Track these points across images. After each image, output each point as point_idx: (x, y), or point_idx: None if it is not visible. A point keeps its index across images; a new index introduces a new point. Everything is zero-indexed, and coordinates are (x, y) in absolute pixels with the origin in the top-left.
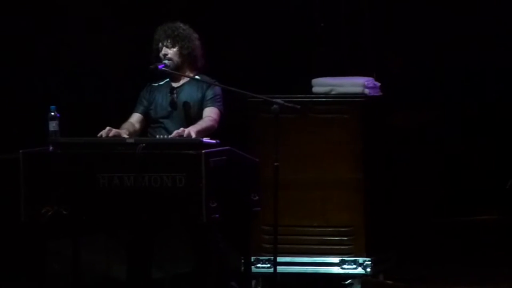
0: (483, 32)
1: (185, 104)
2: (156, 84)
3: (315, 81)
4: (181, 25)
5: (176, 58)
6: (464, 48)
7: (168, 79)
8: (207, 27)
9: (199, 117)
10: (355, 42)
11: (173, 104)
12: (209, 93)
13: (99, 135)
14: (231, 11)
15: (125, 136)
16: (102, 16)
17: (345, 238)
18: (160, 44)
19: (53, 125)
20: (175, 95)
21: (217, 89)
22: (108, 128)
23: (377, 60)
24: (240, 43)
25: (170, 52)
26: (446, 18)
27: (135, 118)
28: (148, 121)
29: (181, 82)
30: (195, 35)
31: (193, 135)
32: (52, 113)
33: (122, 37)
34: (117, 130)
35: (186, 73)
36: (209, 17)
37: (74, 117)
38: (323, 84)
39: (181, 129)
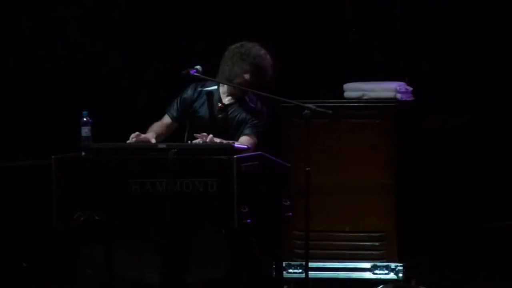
0: None
1: (228, 125)
2: (204, 89)
3: (347, 86)
4: (263, 50)
5: (255, 84)
6: (498, 51)
7: (216, 87)
8: (239, 32)
9: (236, 138)
10: (387, 47)
11: (217, 121)
12: (252, 119)
13: (127, 141)
14: (263, 16)
15: (153, 141)
16: (134, 20)
17: (377, 243)
18: (246, 67)
19: (85, 131)
20: (223, 113)
21: (263, 116)
22: (136, 133)
23: (409, 64)
24: (271, 49)
25: (253, 78)
26: (480, 21)
27: (166, 121)
28: (180, 125)
29: (231, 99)
30: (271, 60)
31: (217, 140)
32: (85, 119)
33: (154, 42)
34: (145, 135)
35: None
36: (241, 22)
37: (107, 123)
38: (355, 89)
39: (204, 134)
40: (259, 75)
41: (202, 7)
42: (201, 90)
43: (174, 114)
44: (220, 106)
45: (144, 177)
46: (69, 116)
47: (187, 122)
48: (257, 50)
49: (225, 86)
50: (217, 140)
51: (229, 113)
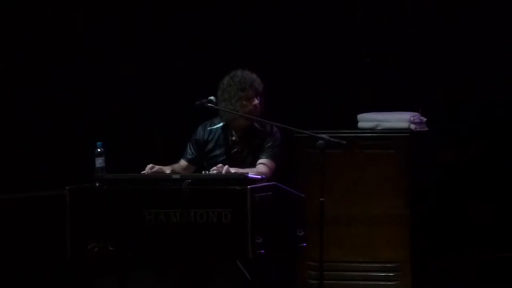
0: None
1: (246, 158)
2: (214, 127)
3: (360, 116)
4: (255, 75)
5: (259, 109)
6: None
7: (222, 124)
8: (252, 62)
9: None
10: (401, 77)
11: (233, 157)
12: (267, 143)
13: (142, 173)
14: (277, 46)
15: (168, 171)
16: (148, 52)
17: (391, 274)
18: (246, 94)
19: (99, 162)
20: (237, 147)
21: (277, 137)
22: (150, 165)
23: (423, 95)
24: (285, 79)
25: (259, 103)
26: (492, 51)
27: (183, 165)
28: (198, 166)
29: (240, 131)
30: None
31: (233, 171)
32: (99, 150)
33: (168, 73)
34: (159, 166)
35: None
36: (254, 52)
37: (121, 153)
38: (368, 120)
39: (220, 165)
40: (261, 96)
41: (214, 39)
42: (210, 129)
43: (189, 157)
44: (233, 141)
45: (158, 208)
46: (84, 146)
47: (205, 162)
48: (248, 74)
49: (234, 120)
50: (233, 170)
51: (243, 145)
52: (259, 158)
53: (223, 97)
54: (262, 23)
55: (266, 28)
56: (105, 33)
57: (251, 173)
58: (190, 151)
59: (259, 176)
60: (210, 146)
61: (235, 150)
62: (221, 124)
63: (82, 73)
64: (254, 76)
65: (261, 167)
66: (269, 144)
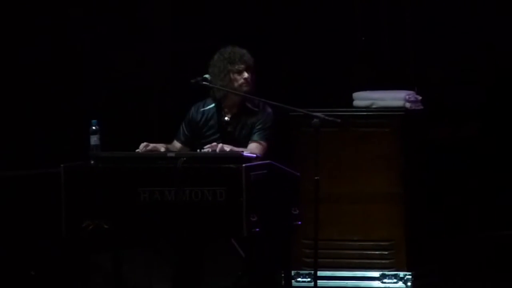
0: None
1: (238, 138)
2: (206, 109)
3: (356, 94)
4: (245, 50)
5: (252, 84)
6: (509, 61)
7: (214, 104)
8: (247, 41)
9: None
10: (397, 56)
11: (230, 136)
12: (260, 124)
13: (136, 151)
14: (272, 26)
15: (163, 149)
16: (144, 29)
17: (386, 252)
18: (237, 67)
19: (94, 139)
20: (230, 127)
21: (269, 118)
22: (144, 143)
23: (419, 73)
24: (281, 57)
25: (249, 77)
26: (490, 31)
27: (176, 146)
28: (191, 147)
29: (233, 111)
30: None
31: (227, 149)
32: (94, 127)
33: (163, 50)
34: (154, 144)
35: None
36: (249, 31)
37: (116, 131)
38: (364, 98)
39: (214, 143)
40: (252, 72)
41: (211, 16)
42: (203, 110)
43: (183, 138)
44: (226, 121)
45: (153, 186)
46: (78, 124)
47: (199, 143)
48: (238, 49)
49: (226, 98)
50: (227, 148)
51: (235, 125)
52: (251, 138)
53: (213, 73)
54: (258, 1)
55: (263, 6)
56: (101, 12)
57: (245, 151)
58: (183, 132)
59: (254, 155)
60: (203, 127)
61: (228, 130)
62: (213, 104)
63: (77, 51)
64: (244, 51)
65: (253, 148)
66: (261, 125)
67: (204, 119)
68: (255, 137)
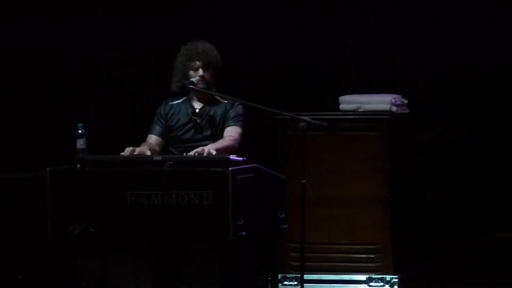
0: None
1: (211, 126)
2: (175, 102)
3: (342, 98)
4: (209, 45)
5: (211, 80)
6: (494, 64)
7: (185, 98)
8: (234, 44)
9: (221, 136)
10: (383, 60)
11: (196, 127)
12: (232, 112)
13: (123, 154)
14: (260, 29)
15: (148, 153)
16: (130, 33)
17: (372, 256)
18: (198, 63)
19: (80, 143)
20: (198, 117)
21: (240, 108)
22: (130, 148)
23: (405, 77)
24: (267, 61)
25: (206, 74)
26: (475, 34)
27: (154, 140)
28: (167, 141)
29: (203, 103)
30: (219, 55)
31: (213, 153)
32: (80, 131)
33: (150, 54)
34: (140, 148)
35: (211, 93)
36: (237, 34)
37: (102, 135)
38: (350, 102)
39: (201, 148)
40: (213, 68)
41: (197, 18)
42: (172, 104)
43: (159, 130)
44: (194, 112)
45: (139, 189)
46: (65, 128)
47: (172, 136)
48: (201, 44)
49: (196, 92)
50: (214, 152)
51: (203, 115)
52: (225, 126)
53: (175, 68)
54: (244, 3)
55: (249, 9)
56: (87, 14)
57: (225, 143)
58: (158, 125)
59: (241, 158)
60: (171, 118)
61: (197, 121)
62: (184, 98)
63: (63, 53)
64: (206, 46)
65: (231, 135)
66: (233, 113)
67: (172, 112)
68: (231, 122)
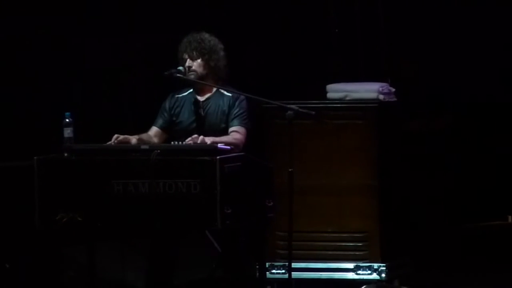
0: (497, 33)
1: (212, 119)
2: (180, 95)
3: (329, 86)
4: (207, 36)
5: (200, 70)
6: (480, 53)
7: (191, 90)
8: (221, 33)
9: (225, 130)
10: (370, 48)
11: (199, 119)
12: (236, 110)
13: (108, 143)
14: (246, 17)
15: (134, 141)
16: (117, 21)
17: (360, 244)
18: (186, 56)
19: (67, 132)
20: (201, 110)
21: (243, 104)
22: (115, 135)
23: (392, 65)
24: (254, 49)
25: (194, 64)
26: (462, 22)
27: (153, 131)
28: (169, 134)
29: (206, 95)
30: (221, 46)
31: (208, 142)
32: (67, 120)
33: (137, 42)
34: (125, 136)
35: (201, 82)
36: (223, 22)
37: (89, 124)
38: (337, 90)
39: (195, 135)
40: (203, 60)
41: (185, 8)
42: (177, 97)
43: (160, 123)
44: (197, 105)
45: (126, 178)
46: (52, 117)
47: (176, 129)
48: (200, 35)
49: (200, 84)
50: (209, 140)
51: (208, 109)
52: (230, 126)
53: (179, 56)
54: None
55: None
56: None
57: (227, 140)
58: (161, 117)
59: (228, 147)
60: (176, 113)
61: (201, 113)
62: (190, 90)
63: (50, 43)
64: (205, 36)
65: (235, 134)
66: (237, 110)
67: (178, 104)
68: (235, 122)
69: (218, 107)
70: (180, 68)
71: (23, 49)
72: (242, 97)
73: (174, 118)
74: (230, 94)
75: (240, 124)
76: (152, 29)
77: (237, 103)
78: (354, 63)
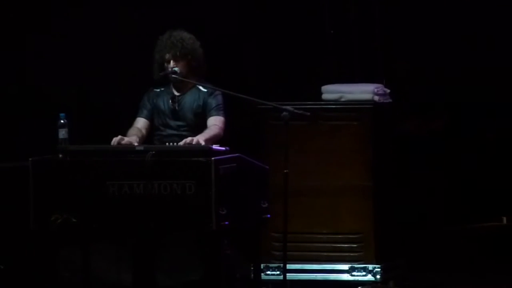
0: (491, 35)
1: (186, 113)
2: (158, 90)
3: (325, 88)
4: (186, 34)
5: (184, 70)
6: (474, 53)
7: (167, 85)
8: (217, 34)
9: (200, 125)
10: (365, 49)
11: (174, 113)
12: (212, 102)
13: (112, 143)
14: (242, 19)
15: (136, 144)
16: (110, 21)
17: (355, 245)
18: (168, 55)
19: (62, 133)
20: (176, 104)
21: (219, 98)
22: (120, 136)
23: (387, 66)
24: (250, 50)
25: (179, 65)
26: (457, 23)
27: (141, 123)
28: (152, 126)
29: (184, 91)
30: (198, 43)
31: (202, 143)
32: (62, 121)
33: (133, 43)
34: (128, 139)
35: (192, 82)
36: (219, 24)
37: (84, 125)
38: (332, 91)
39: (190, 138)
40: (185, 60)
41: (183, 9)
42: (156, 91)
43: (146, 113)
44: (174, 99)
45: (121, 179)
46: (47, 118)
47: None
48: (177, 34)
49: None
50: (202, 141)
51: (182, 103)
52: (208, 116)
53: (154, 58)
54: None
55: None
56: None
57: (213, 133)
58: (145, 108)
59: (224, 148)
60: (155, 104)
61: (176, 106)
62: (168, 85)
63: (46, 44)
64: (182, 36)
65: (216, 126)
66: (214, 102)
67: (156, 98)
68: (213, 112)
69: (193, 101)
70: (176, 69)
71: (18, 49)
72: (217, 92)
73: (153, 109)
74: (205, 90)
75: (218, 115)
76: (150, 30)
77: (212, 97)
78: (349, 64)
